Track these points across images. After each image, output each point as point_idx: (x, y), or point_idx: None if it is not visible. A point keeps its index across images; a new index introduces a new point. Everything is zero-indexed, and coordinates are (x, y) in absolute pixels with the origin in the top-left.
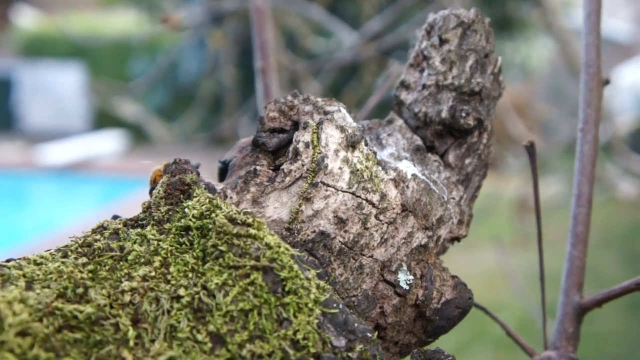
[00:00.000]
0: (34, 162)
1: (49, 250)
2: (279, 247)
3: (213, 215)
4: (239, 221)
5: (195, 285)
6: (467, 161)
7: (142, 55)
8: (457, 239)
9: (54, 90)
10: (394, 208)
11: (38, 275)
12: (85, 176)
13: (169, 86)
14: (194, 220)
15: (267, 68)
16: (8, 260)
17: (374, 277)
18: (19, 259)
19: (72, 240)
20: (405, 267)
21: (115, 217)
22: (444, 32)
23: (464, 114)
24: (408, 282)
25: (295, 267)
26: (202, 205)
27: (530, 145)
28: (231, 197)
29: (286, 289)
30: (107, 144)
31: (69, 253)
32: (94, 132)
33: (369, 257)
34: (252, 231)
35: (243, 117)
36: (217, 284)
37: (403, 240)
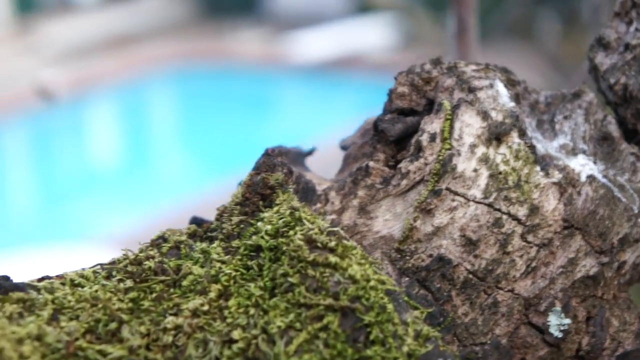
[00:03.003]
0: (280, 56)
1: (96, 266)
2: (368, 280)
3: (291, 233)
4: (319, 244)
5: (255, 326)
6: None
7: None
8: None
9: None
10: (550, 225)
11: (69, 301)
12: (345, 76)
13: None
14: (267, 238)
15: None
16: (41, 279)
17: (512, 319)
18: (58, 276)
19: (122, 255)
20: (558, 307)
21: (194, 221)
22: None
23: None
24: (562, 328)
25: (390, 307)
26: (281, 219)
27: None
28: (333, 203)
29: (371, 337)
30: (376, 33)
31: (114, 273)
32: (359, 17)
33: (508, 291)
34: (333, 259)
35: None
36: (279, 326)
37: (561, 270)
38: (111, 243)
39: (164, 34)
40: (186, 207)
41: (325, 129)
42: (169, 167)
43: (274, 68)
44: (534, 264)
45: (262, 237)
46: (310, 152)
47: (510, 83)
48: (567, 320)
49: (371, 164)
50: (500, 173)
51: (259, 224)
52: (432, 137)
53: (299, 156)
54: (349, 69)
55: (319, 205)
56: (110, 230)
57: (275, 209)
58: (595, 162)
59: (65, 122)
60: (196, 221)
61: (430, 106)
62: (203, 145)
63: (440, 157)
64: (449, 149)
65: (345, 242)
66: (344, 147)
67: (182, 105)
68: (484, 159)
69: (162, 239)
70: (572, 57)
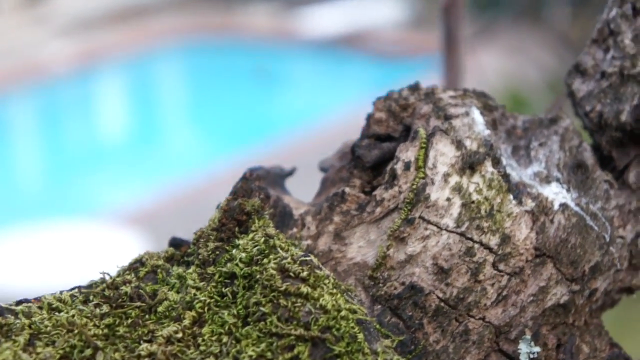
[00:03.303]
0: (290, 31)
1: (74, 289)
2: (339, 310)
3: (265, 261)
4: (291, 273)
5: (227, 354)
6: None
7: None
8: (629, 289)
9: None
10: (521, 254)
11: (46, 326)
12: (355, 52)
13: None
14: (241, 266)
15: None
16: (19, 302)
17: (483, 347)
18: (35, 299)
19: (100, 278)
20: (528, 335)
21: (173, 242)
22: None
23: None
24: (532, 356)
25: (360, 336)
26: (255, 247)
27: None
28: (309, 228)
29: None
30: (386, 9)
31: (91, 297)
32: None
33: (479, 319)
34: (304, 289)
35: None
36: (251, 356)
37: (532, 298)
38: (118, 218)
39: (174, 6)
40: (194, 182)
41: (333, 105)
42: (177, 142)
43: (284, 43)
44: (505, 293)
45: (237, 265)
46: (290, 173)
47: (488, 109)
48: (537, 349)
49: (347, 190)
50: (472, 202)
51: (234, 251)
52: (407, 166)
53: (279, 178)
54: (359, 45)
55: (295, 229)
56: (118, 205)
57: (250, 236)
58: (568, 190)
59: (73, 94)
60: (175, 242)
61: (407, 132)
62: (212, 119)
63: (414, 187)
64: (423, 178)
65: (317, 271)
66: (322, 169)
67: (191, 79)
68: (457, 188)
69: (140, 262)
70: (582, 40)
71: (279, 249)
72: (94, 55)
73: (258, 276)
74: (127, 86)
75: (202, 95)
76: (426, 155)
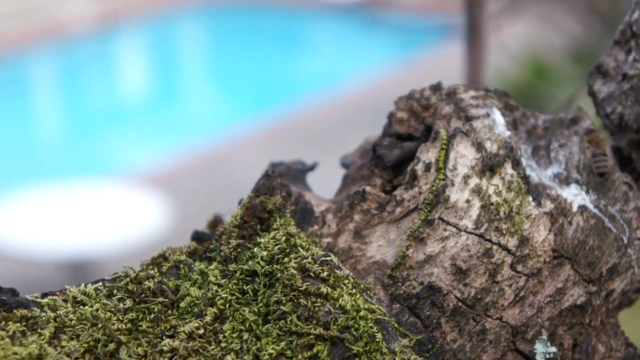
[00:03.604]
0: None
1: (98, 282)
2: (358, 310)
3: (285, 260)
4: (312, 273)
5: (248, 351)
6: None
7: None
8: None
9: None
10: (539, 255)
11: (71, 320)
12: (379, 16)
13: None
14: (262, 264)
15: None
16: (45, 295)
17: (499, 346)
18: (61, 292)
19: (124, 272)
20: (545, 336)
21: (195, 235)
22: None
23: None
24: (548, 356)
25: (379, 336)
26: (277, 245)
27: None
28: (330, 226)
29: None
30: None
31: (115, 292)
32: None
33: (496, 319)
34: (324, 289)
35: None
36: (271, 354)
37: (549, 299)
38: (138, 179)
39: None
40: (215, 143)
41: (356, 70)
42: (198, 103)
43: (308, 5)
44: (522, 293)
45: (258, 263)
46: (312, 168)
47: (509, 108)
48: (553, 349)
49: (368, 189)
50: (492, 204)
51: (256, 249)
52: (427, 167)
53: (300, 173)
54: (384, 9)
55: (316, 227)
56: (138, 166)
57: (272, 234)
58: (587, 192)
59: (94, 54)
60: (197, 236)
61: (428, 132)
62: (234, 81)
63: (434, 188)
64: (443, 179)
65: (337, 271)
66: (344, 165)
67: (214, 40)
68: (477, 190)
69: (163, 257)
70: (610, 10)
71: (299, 247)
72: (115, 14)
73: (279, 275)
74: (149, 46)
75: (224, 56)
76: (447, 157)
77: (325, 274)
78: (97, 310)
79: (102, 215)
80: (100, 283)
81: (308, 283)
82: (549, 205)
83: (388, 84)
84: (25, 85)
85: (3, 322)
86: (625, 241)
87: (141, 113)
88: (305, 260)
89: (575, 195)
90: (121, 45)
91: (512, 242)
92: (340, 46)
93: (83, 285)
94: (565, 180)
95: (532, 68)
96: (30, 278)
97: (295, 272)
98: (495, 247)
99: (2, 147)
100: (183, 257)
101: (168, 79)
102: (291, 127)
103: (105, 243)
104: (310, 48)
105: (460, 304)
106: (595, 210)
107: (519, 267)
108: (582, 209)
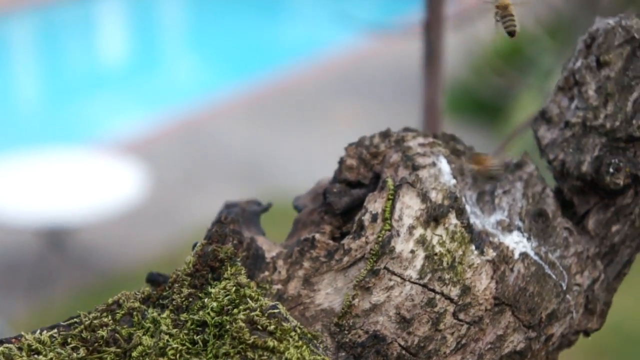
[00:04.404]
0: None
1: (54, 328)
2: None
3: (235, 311)
4: (259, 326)
5: None
6: (614, 229)
7: None
8: (585, 332)
9: None
10: (480, 303)
11: None
12: None
13: None
14: (212, 315)
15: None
16: (1, 343)
17: None
18: (16, 339)
19: (78, 318)
20: None
21: (150, 277)
22: (604, 51)
23: (612, 170)
24: None
25: None
26: (227, 295)
27: None
28: (280, 272)
29: None
30: None
31: (69, 340)
32: None
33: None
34: (271, 343)
35: None
36: None
37: (489, 346)
38: (117, 146)
39: None
40: (194, 110)
41: (337, 36)
42: (176, 69)
43: None
44: (463, 341)
45: (209, 314)
46: (266, 209)
47: (456, 154)
48: None
49: (317, 236)
50: (435, 254)
51: (206, 299)
52: (374, 217)
53: (254, 215)
54: None
55: (267, 273)
56: (116, 133)
57: (223, 284)
58: (529, 239)
59: (72, 19)
60: (152, 277)
61: (377, 179)
62: (213, 48)
63: (380, 238)
64: (389, 230)
65: (284, 324)
66: (296, 207)
67: (193, 5)
68: (421, 241)
69: (117, 304)
70: None
71: (249, 299)
72: None
73: (228, 326)
74: (128, 12)
75: (204, 22)
76: (393, 207)
77: (272, 327)
78: (50, 359)
79: (80, 182)
80: (56, 330)
81: (255, 336)
82: (491, 254)
83: (368, 51)
84: (1, 50)
85: None
86: (564, 287)
87: (119, 79)
88: (253, 313)
89: (517, 243)
90: (100, 10)
91: (454, 292)
92: (321, 13)
93: (39, 332)
94: (508, 228)
95: (504, 47)
96: (7, 245)
97: (243, 325)
98: (438, 296)
99: None
100: (137, 304)
101: (147, 45)
102: (270, 94)
103: (83, 210)
104: (290, 14)
105: (404, 352)
106: (536, 257)
107: (461, 316)
108: (524, 256)
